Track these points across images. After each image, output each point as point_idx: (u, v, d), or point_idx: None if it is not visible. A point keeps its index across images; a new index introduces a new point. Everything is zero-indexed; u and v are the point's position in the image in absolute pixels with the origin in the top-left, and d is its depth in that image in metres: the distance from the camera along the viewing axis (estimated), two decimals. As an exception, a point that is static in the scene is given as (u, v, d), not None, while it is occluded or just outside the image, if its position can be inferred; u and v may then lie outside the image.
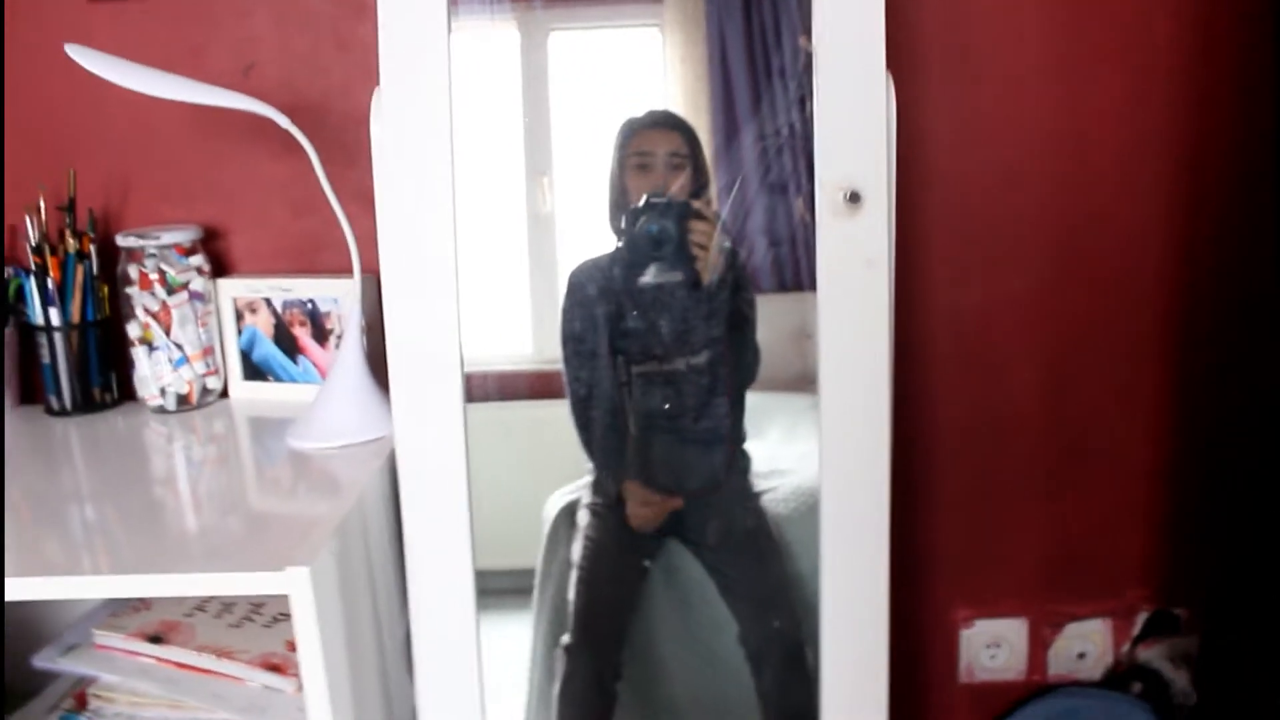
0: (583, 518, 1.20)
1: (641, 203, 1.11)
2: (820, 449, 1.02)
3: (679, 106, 1.15)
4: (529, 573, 1.22)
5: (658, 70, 1.18)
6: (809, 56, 0.97)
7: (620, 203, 1.13)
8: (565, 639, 1.18)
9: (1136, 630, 1.51)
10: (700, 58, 1.16)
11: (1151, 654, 1.50)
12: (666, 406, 1.18)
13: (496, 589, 1.19)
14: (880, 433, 1.01)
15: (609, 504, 1.20)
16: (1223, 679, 1.50)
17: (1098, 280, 1.40)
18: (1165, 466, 1.46)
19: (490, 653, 1.08)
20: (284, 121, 1.13)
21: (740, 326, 1.16)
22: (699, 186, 1.13)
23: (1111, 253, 1.39)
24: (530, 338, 1.22)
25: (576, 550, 1.20)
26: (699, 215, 1.11)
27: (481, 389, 1.17)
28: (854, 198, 0.96)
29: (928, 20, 1.32)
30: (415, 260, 0.99)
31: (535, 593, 1.21)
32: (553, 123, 1.18)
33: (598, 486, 1.21)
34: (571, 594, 1.19)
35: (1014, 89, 1.35)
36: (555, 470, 1.23)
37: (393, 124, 0.97)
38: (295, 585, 0.86)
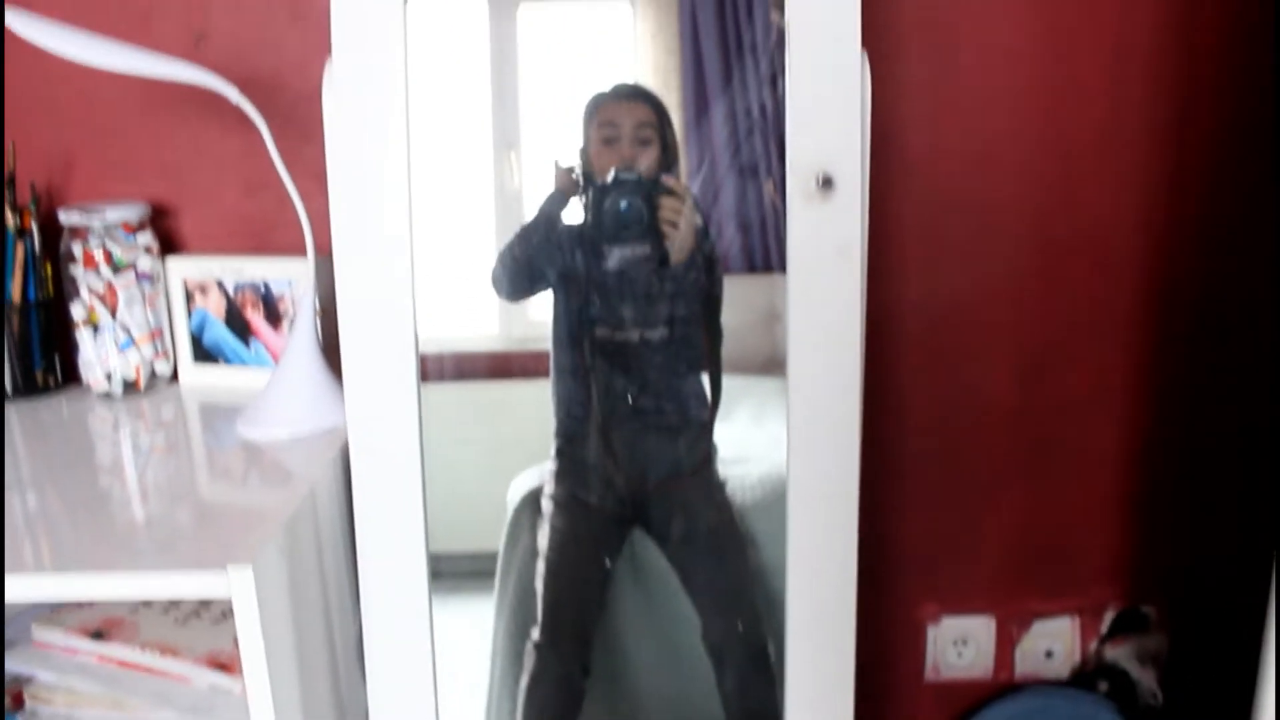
0: (546, 506, 1.18)
1: (610, 179, 1.07)
2: (789, 439, 1.00)
3: (649, 82, 1.12)
4: (491, 557, 1.19)
5: (628, 45, 1.15)
6: (781, 33, 0.93)
7: (588, 177, 1.10)
8: (535, 635, 1.15)
9: (1104, 628, 1.50)
10: (672, 33, 1.13)
11: (1119, 653, 1.49)
12: (625, 380, 1.15)
13: (457, 572, 1.16)
14: (850, 424, 0.98)
15: (573, 494, 1.17)
16: (1190, 679, 1.50)
17: (1072, 268, 1.38)
18: (1136, 462, 1.45)
19: (450, 639, 1.05)
20: (235, 95, 1.08)
21: (707, 305, 1.12)
22: (668, 162, 1.10)
23: (1087, 239, 1.37)
24: (496, 317, 1.20)
25: (543, 540, 1.17)
26: (669, 191, 1.07)
27: (447, 368, 1.14)
28: (826, 182, 0.93)
29: None
30: (368, 240, 0.94)
31: (497, 581, 1.19)
32: (521, 97, 1.15)
33: (560, 475, 1.17)
34: (539, 585, 1.16)
35: (991, 69, 1.32)
36: (521, 452, 1.21)
37: (344, 97, 0.92)
38: (238, 585, 0.82)
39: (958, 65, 1.32)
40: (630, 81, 1.11)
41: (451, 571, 1.12)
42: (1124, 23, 1.31)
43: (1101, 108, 1.33)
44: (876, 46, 0.96)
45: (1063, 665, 1.51)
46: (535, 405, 1.18)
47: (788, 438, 1.00)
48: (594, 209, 1.08)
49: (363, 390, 0.97)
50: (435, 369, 1.11)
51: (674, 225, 1.08)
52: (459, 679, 1.15)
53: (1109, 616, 1.50)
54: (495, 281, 1.13)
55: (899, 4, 1.29)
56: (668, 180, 1.08)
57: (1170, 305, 1.39)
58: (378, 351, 0.97)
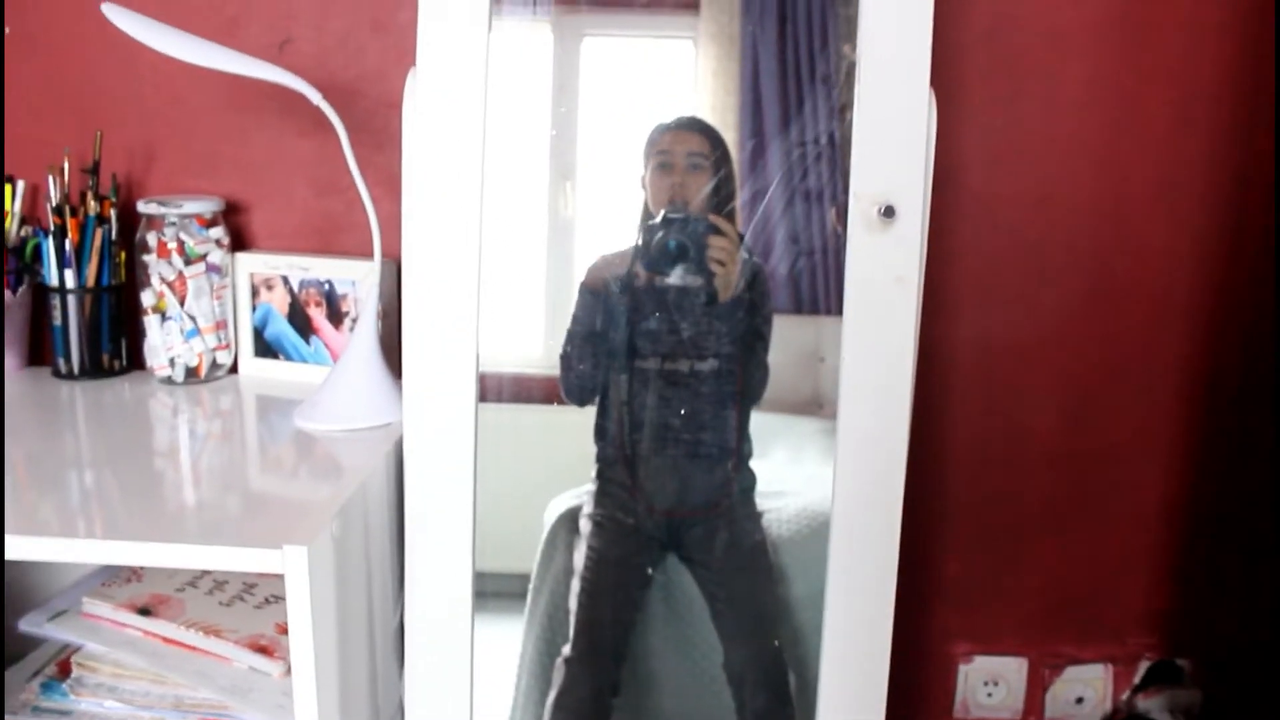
0: (585, 526, 1.19)
1: (659, 218, 1.10)
2: (835, 467, 1.00)
3: (709, 119, 1.14)
4: (522, 578, 1.20)
5: (689, 82, 1.17)
6: (851, 65, 0.95)
7: (646, 207, 1.12)
8: (566, 651, 1.16)
9: (1138, 678, 1.48)
10: (733, 73, 1.14)
11: (1151, 704, 1.48)
12: (669, 409, 1.16)
13: (490, 592, 1.17)
14: (897, 455, 0.99)
15: (612, 516, 1.19)
16: (1223, 734, 1.48)
17: (1126, 313, 1.38)
18: (1178, 512, 1.44)
19: (482, 655, 1.06)
20: (316, 97, 1.12)
21: (752, 343, 1.14)
22: (724, 195, 1.12)
23: (1142, 285, 1.37)
24: (542, 341, 1.21)
25: (579, 560, 1.18)
26: (718, 230, 1.09)
27: (491, 390, 1.16)
28: (888, 212, 0.94)
29: (971, 38, 1.31)
30: (437, 248, 0.97)
31: (529, 597, 1.19)
32: (580, 128, 1.17)
33: (600, 497, 1.19)
34: (573, 604, 1.17)
35: (1055, 111, 1.33)
36: (560, 476, 1.21)
37: (425, 108, 0.95)
38: (292, 565, 0.84)
39: (1020, 105, 1.33)
40: (690, 115, 1.14)
41: (484, 591, 1.14)
42: (1187, 79, 1.32)
43: (1162, 159, 1.34)
44: (943, 86, 0.98)
45: (1093, 713, 1.49)
46: (575, 430, 1.19)
47: (835, 459, 1.01)
48: (644, 245, 1.11)
49: (421, 395, 1.00)
50: (482, 389, 1.13)
51: (721, 263, 1.10)
52: (483, 698, 1.16)
53: (1143, 667, 1.49)
54: (567, 393, 1.16)
55: (966, 44, 1.31)
56: (715, 220, 1.10)
57: (1219, 358, 1.39)
58: (439, 359, 0.99)
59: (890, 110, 0.94)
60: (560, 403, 1.18)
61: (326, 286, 1.30)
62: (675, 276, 1.12)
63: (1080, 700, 1.49)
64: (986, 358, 1.39)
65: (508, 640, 1.19)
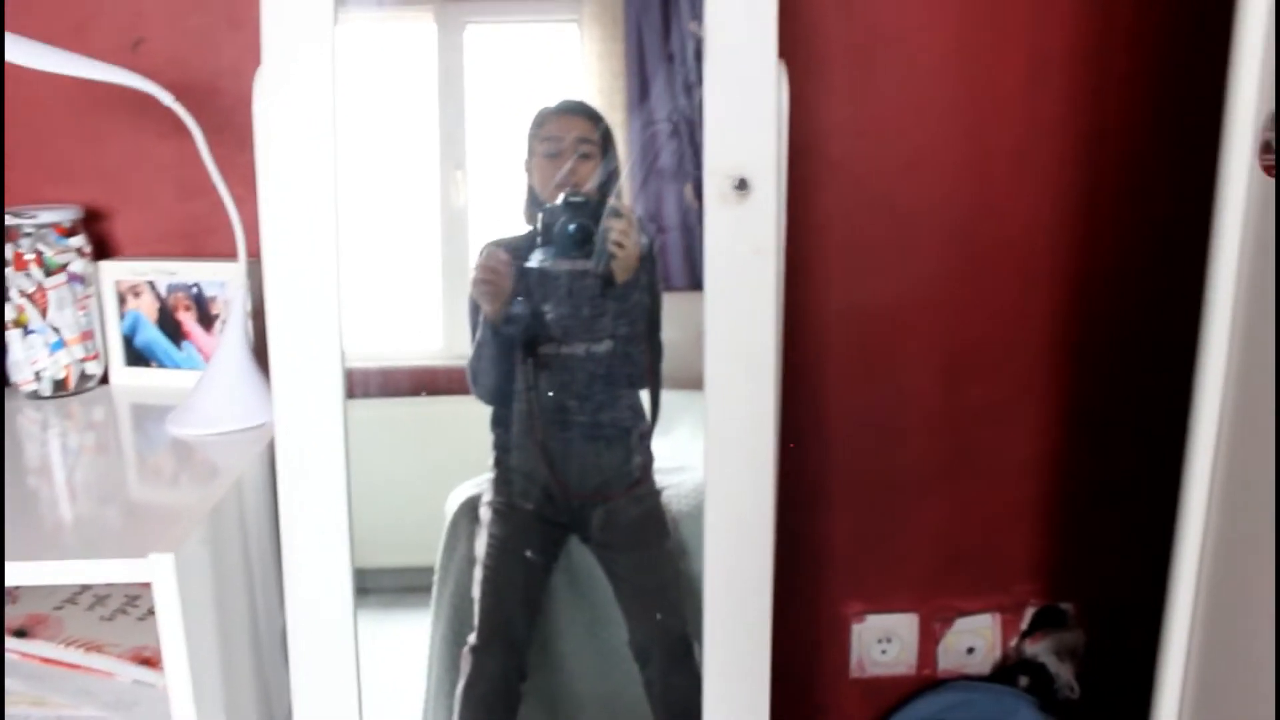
0: (485, 514, 1.19)
1: (559, 200, 1.10)
2: (705, 440, 1.02)
3: (596, 103, 1.14)
4: (427, 571, 1.19)
5: (576, 66, 1.17)
6: (700, 42, 0.96)
7: (531, 192, 1.12)
8: (472, 639, 1.16)
9: (1024, 625, 1.54)
10: (618, 54, 1.15)
11: (1039, 648, 1.53)
12: (566, 393, 1.17)
13: (395, 587, 1.17)
14: (766, 424, 1.01)
15: (511, 502, 1.19)
16: (1106, 672, 1.54)
17: (994, 274, 1.42)
18: (1054, 465, 1.49)
19: (388, 651, 1.06)
20: (167, 99, 1.10)
21: (646, 322, 1.15)
22: (611, 178, 1.13)
23: (1008, 245, 1.41)
24: (441, 332, 1.21)
25: (480, 547, 1.18)
26: (617, 213, 1.10)
27: (392, 384, 1.15)
28: (742, 185, 0.96)
29: (829, 8, 1.33)
30: (295, 246, 0.96)
31: (434, 589, 1.19)
32: (468, 116, 1.17)
33: (499, 484, 1.19)
34: (476, 593, 1.17)
35: (913, 78, 1.36)
36: (461, 467, 1.21)
37: (273, 105, 0.94)
38: (158, 573, 0.83)
39: (878, 79, 1.36)
40: (575, 98, 1.14)
41: (391, 586, 1.13)
42: (1038, 41, 1.36)
43: (1019, 121, 1.38)
44: (800, 59, 0.99)
45: (984, 661, 1.55)
46: (478, 420, 1.19)
47: (705, 432, 1.02)
48: (544, 230, 1.11)
49: (289, 394, 0.99)
50: (379, 384, 1.12)
51: (620, 245, 1.11)
52: (392, 690, 1.15)
53: (1029, 614, 1.54)
54: (478, 396, 1.16)
55: (824, 18, 1.33)
56: (614, 203, 1.10)
57: (1086, 313, 1.44)
58: (304, 357, 0.98)
59: (738, 84, 0.95)
60: (467, 393, 1.18)
61: (195, 290, 1.28)
62: (572, 260, 1.12)
63: (971, 650, 1.54)
64: (861, 324, 1.42)
65: (418, 633, 1.19)
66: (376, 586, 1.09)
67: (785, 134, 0.99)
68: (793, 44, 0.97)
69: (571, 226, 1.10)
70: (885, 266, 1.41)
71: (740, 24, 0.95)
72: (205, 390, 1.15)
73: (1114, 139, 1.39)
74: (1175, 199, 1.37)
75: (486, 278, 1.13)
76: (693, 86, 1.06)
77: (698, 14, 0.95)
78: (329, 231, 0.96)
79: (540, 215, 1.11)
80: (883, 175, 1.38)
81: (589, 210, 1.10)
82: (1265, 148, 0.93)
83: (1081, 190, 1.40)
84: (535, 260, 1.12)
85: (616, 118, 1.14)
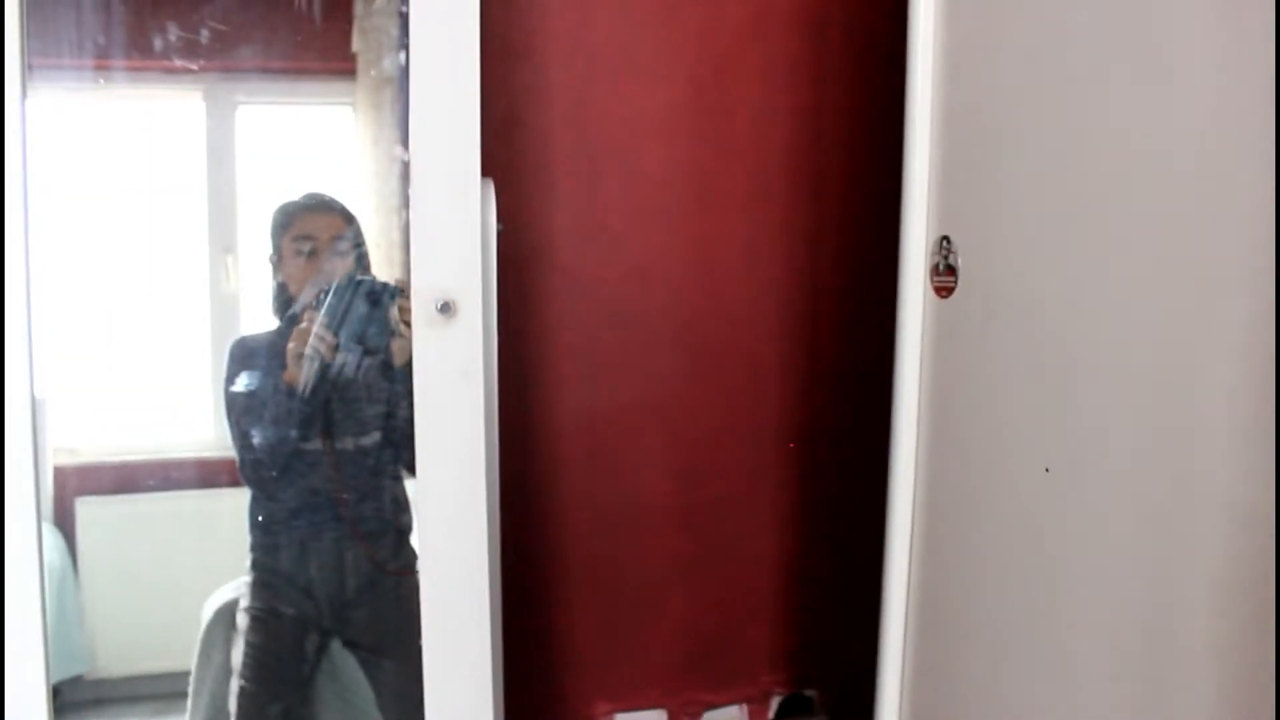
0: (242, 621, 1.16)
1: (347, 281, 1.09)
2: (421, 559, 1.01)
3: (370, 187, 1.13)
4: (187, 676, 1.17)
5: (349, 149, 1.16)
6: (405, 166, 0.96)
7: (282, 288, 1.11)
8: None
9: (771, 714, 1.53)
10: (393, 139, 1.14)
11: (788, 736, 1.54)
12: (332, 489, 1.15)
13: (157, 694, 1.13)
14: (478, 542, 0.99)
15: (270, 607, 1.16)
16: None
17: (725, 374, 1.43)
18: (794, 554, 1.49)
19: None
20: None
21: (408, 412, 1.14)
22: (364, 268, 1.12)
23: (736, 346, 1.42)
24: (212, 422, 1.17)
25: (237, 657, 1.15)
26: (405, 294, 1.08)
27: (156, 477, 1.11)
28: (445, 308, 0.95)
29: (557, 120, 1.32)
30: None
31: (190, 700, 1.17)
32: (239, 199, 1.15)
33: (258, 589, 1.17)
34: (233, 705, 1.14)
35: (641, 187, 1.37)
36: (225, 563, 1.19)
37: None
38: None
39: (606, 187, 1.36)
40: (318, 191, 1.13)
41: (151, 694, 1.09)
42: (760, 155, 1.38)
43: (743, 227, 1.40)
44: (529, 170, 0.98)
45: (737, 752, 1.53)
46: (239, 516, 1.17)
47: (420, 551, 1.01)
48: (330, 313, 1.09)
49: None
50: (144, 477, 1.09)
51: (408, 324, 1.09)
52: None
53: (775, 702, 1.53)
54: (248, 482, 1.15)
55: (552, 132, 1.31)
56: (401, 283, 1.10)
57: (812, 407, 1.45)
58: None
59: (443, 207, 0.95)
60: (237, 484, 1.15)
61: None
62: (355, 348, 1.11)
63: (721, 741, 1.53)
64: (593, 426, 1.41)
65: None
66: (130, 695, 1.05)
67: (493, 254, 0.99)
68: (521, 153, 0.98)
69: (362, 309, 1.09)
70: (615, 368, 1.41)
71: (443, 147, 0.95)
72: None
73: (830, 242, 1.41)
74: (890, 299, 1.41)
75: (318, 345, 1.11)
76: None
77: (403, 138, 0.95)
78: (20, 324, 0.92)
79: (292, 301, 1.10)
80: (611, 280, 1.38)
81: (385, 293, 1.11)
82: (935, 270, 0.97)
83: (803, 290, 1.42)
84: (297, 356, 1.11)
85: (394, 203, 1.13)
